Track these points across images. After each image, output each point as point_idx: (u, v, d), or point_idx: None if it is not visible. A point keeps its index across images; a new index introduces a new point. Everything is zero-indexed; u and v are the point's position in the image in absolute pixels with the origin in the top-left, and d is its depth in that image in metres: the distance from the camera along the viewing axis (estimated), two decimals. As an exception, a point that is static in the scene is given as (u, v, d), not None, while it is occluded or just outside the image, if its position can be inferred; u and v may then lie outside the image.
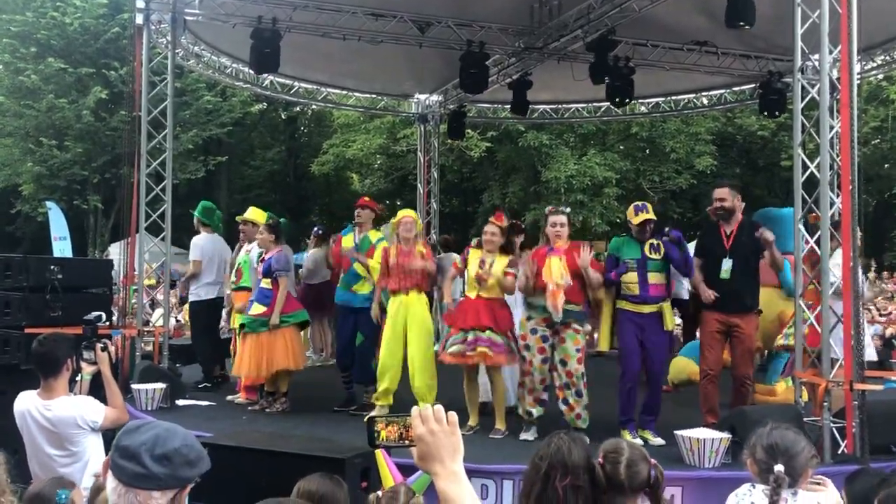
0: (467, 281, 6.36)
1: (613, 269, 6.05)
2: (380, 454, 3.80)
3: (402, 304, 6.49)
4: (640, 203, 6.29)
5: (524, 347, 6.04)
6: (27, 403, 3.98)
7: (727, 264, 6.01)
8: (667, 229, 6.25)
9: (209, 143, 25.14)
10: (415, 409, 1.59)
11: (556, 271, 5.76)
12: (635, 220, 6.05)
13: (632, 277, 5.98)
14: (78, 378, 4.27)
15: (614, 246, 6.21)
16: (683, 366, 7.66)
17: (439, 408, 1.59)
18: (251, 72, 10.17)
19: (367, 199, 7.44)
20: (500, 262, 6.15)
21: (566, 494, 2.56)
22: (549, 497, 2.57)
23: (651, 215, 6.04)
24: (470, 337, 6.05)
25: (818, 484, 2.69)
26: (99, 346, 4.18)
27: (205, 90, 23.02)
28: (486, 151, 22.33)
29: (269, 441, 4.90)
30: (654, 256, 6.02)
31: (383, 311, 6.79)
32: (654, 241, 6.07)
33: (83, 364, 4.21)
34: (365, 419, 1.66)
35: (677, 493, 4.92)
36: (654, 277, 5.98)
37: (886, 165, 26.29)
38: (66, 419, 3.89)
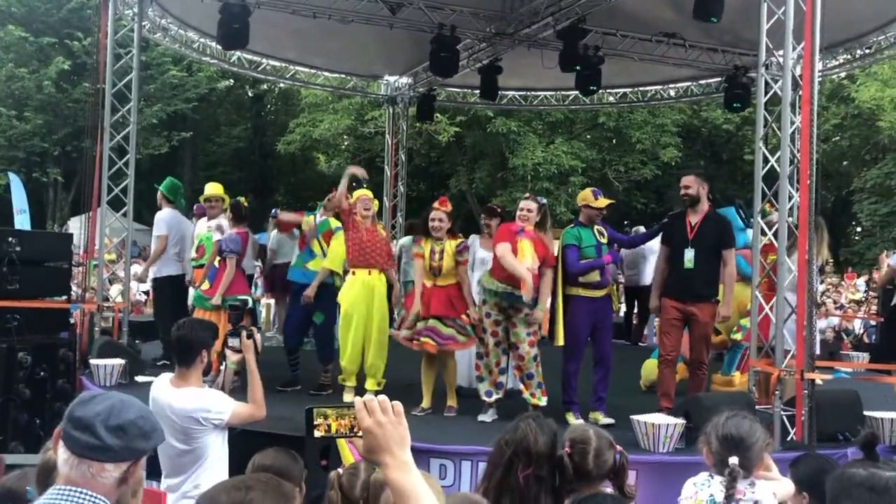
0: (422, 270, 6.30)
1: (576, 261, 6.09)
2: None
3: (366, 283, 6.51)
4: (595, 188, 6.52)
5: (482, 331, 6.11)
6: (159, 389, 3.77)
7: (689, 254, 6.12)
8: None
9: (174, 119, 24.73)
10: (358, 401, 1.56)
11: (528, 254, 5.79)
12: (599, 204, 6.16)
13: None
14: (222, 367, 4.03)
15: (573, 235, 6.16)
16: (653, 367, 7.72)
17: (384, 398, 1.56)
18: (219, 47, 10.03)
19: None
20: (449, 247, 6.22)
21: (528, 484, 2.59)
22: (511, 485, 2.59)
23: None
24: (420, 325, 6.16)
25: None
26: (244, 333, 3.91)
27: (170, 64, 22.63)
28: (455, 136, 22.31)
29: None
30: (603, 241, 6.20)
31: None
32: (598, 227, 6.23)
33: (228, 352, 3.93)
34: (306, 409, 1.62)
35: (632, 477, 5.00)
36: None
37: (845, 163, 26.84)
38: (189, 412, 3.62)
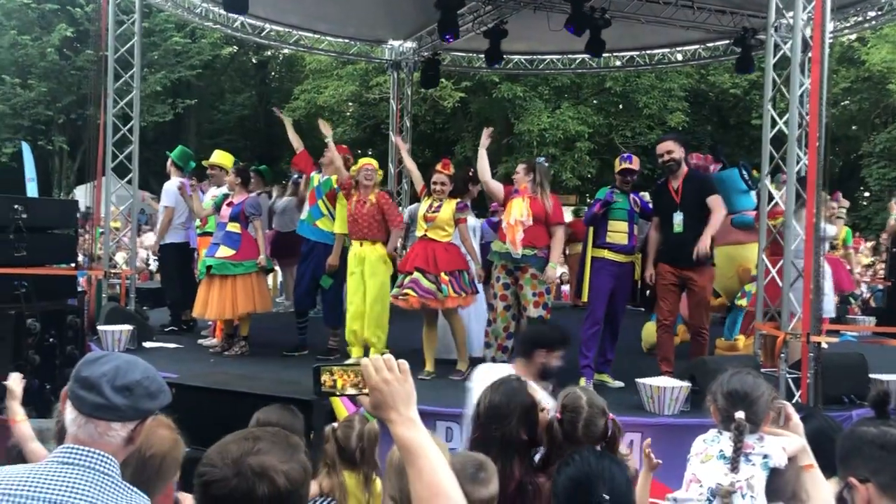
0: (418, 221, 6.47)
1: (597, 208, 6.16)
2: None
3: (357, 255, 6.54)
4: (626, 153, 6.58)
5: (492, 296, 6.14)
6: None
7: (678, 217, 6.07)
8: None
9: (178, 86, 24.59)
10: (364, 360, 1.59)
11: (516, 210, 5.87)
12: (617, 167, 6.26)
13: (622, 227, 6.15)
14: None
15: (604, 192, 6.25)
16: (654, 329, 7.73)
17: (389, 357, 1.59)
18: (222, 12, 9.94)
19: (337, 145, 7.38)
20: (448, 205, 6.28)
21: (503, 443, 2.68)
22: (486, 444, 2.68)
23: (633, 165, 6.26)
24: (406, 280, 6.19)
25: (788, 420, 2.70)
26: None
27: (173, 31, 22.45)
28: (460, 102, 22.14)
29: (237, 382, 4.91)
30: (637, 210, 6.26)
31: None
32: (634, 198, 6.28)
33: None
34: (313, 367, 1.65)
35: (636, 439, 5.03)
36: (636, 230, 6.26)
37: (854, 127, 26.58)
38: None
